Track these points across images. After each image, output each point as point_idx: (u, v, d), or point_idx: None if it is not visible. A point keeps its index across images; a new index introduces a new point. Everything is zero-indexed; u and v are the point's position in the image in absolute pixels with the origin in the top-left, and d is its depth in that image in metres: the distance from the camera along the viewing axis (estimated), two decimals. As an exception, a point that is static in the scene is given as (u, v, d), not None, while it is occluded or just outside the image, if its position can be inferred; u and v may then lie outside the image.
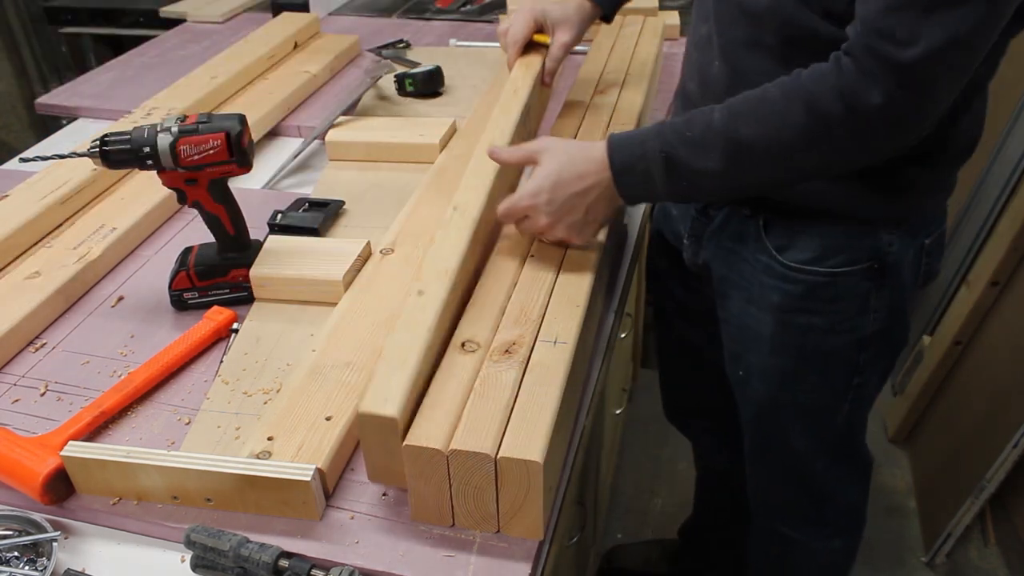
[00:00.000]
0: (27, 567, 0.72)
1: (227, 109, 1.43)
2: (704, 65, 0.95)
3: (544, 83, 1.18)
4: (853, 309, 0.95)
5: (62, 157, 0.96)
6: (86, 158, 0.91)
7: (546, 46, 1.17)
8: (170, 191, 0.94)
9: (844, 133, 0.76)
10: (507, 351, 0.76)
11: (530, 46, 1.19)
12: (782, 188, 0.90)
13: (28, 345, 0.95)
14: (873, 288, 0.94)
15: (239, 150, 0.91)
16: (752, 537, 1.33)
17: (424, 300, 0.77)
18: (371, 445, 0.71)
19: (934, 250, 0.98)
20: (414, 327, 0.75)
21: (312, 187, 1.25)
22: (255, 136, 1.36)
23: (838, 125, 0.75)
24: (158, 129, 0.90)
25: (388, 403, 0.68)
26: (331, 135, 1.32)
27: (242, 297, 1.00)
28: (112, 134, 0.90)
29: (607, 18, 1.22)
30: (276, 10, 1.84)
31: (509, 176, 0.99)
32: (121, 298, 1.03)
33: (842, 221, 0.92)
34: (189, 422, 0.84)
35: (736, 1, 0.87)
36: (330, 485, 0.75)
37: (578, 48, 1.51)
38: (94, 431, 0.82)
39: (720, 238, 1.03)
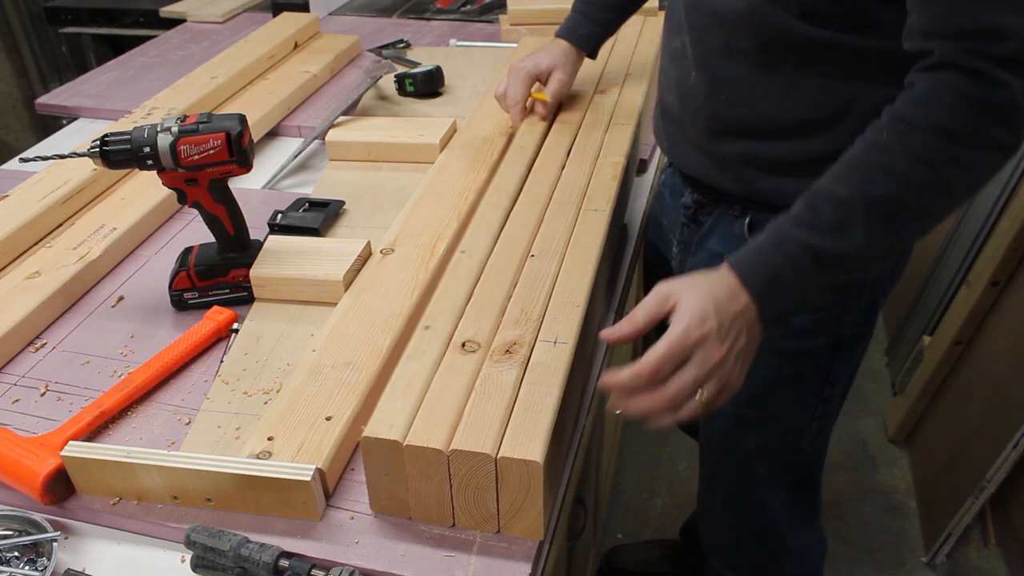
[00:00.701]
0: (27, 567, 0.72)
1: (227, 109, 1.43)
2: (681, 78, 0.94)
3: (544, 119, 1.21)
4: (834, 309, 0.95)
5: (62, 157, 0.96)
6: (86, 158, 0.91)
7: (544, 102, 1.20)
8: (170, 191, 0.94)
9: (981, 139, 0.68)
10: (507, 351, 0.76)
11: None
12: (941, 222, 0.77)
13: (28, 345, 0.95)
14: (855, 287, 0.93)
15: (239, 150, 0.91)
16: None
17: (430, 334, 0.79)
18: (375, 473, 0.71)
19: (907, 249, 0.98)
20: (419, 358, 0.76)
21: (312, 187, 1.25)
22: (255, 136, 1.36)
23: (972, 132, 0.68)
24: (158, 129, 0.90)
25: (392, 428, 0.68)
26: (331, 135, 1.32)
27: (242, 297, 1.00)
28: (112, 134, 0.90)
29: (592, 55, 1.24)
30: (276, 10, 1.84)
31: (519, 231, 0.96)
32: (121, 298, 1.03)
33: None
34: (189, 422, 0.84)
35: (709, 9, 0.85)
36: (330, 485, 0.75)
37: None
38: (94, 431, 0.82)
39: (708, 243, 1.02)
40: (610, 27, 1.24)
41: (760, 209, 0.94)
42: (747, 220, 0.95)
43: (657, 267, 1.23)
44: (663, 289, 0.74)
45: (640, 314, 0.73)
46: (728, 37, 0.84)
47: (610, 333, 0.74)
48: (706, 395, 0.71)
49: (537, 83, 1.21)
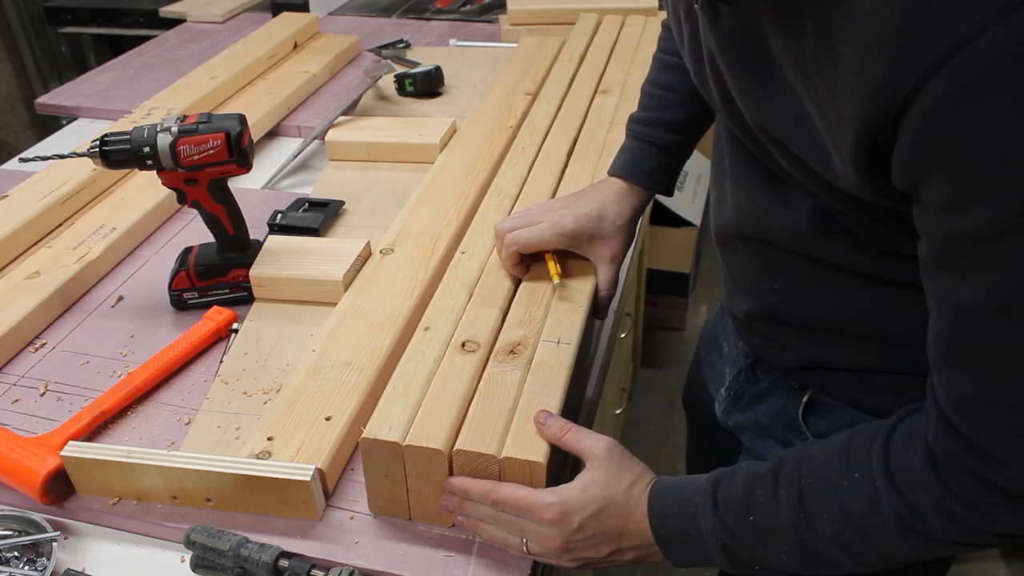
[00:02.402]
0: (27, 567, 0.71)
1: (227, 109, 1.43)
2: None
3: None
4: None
5: (62, 157, 0.96)
6: (86, 158, 0.91)
7: (553, 279, 0.84)
8: (170, 191, 0.94)
9: (957, 546, 0.58)
10: (512, 351, 0.76)
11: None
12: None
13: (28, 345, 0.95)
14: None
15: (239, 150, 0.91)
16: None
17: (430, 334, 0.79)
18: (374, 474, 0.71)
19: None
20: (419, 358, 0.76)
21: (312, 187, 1.25)
22: (255, 136, 1.36)
23: (947, 541, 0.57)
24: (158, 129, 0.90)
25: (392, 429, 0.68)
26: (331, 135, 1.32)
27: (242, 297, 1.00)
28: (112, 134, 0.90)
29: (668, 191, 0.92)
30: (276, 10, 1.84)
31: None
32: (121, 298, 1.03)
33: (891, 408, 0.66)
34: (189, 422, 0.84)
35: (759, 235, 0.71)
36: (330, 485, 0.75)
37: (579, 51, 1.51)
38: (94, 431, 0.82)
39: (759, 408, 0.85)
40: (680, 155, 0.92)
41: (819, 390, 0.78)
42: (805, 399, 0.78)
43: (702, 389, 1.02)
44: (593, 449, 0.68)
45: (563, 439, 0.68)
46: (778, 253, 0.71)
47: (539, 420, 0.69)
48: (531, 550, 0.68)
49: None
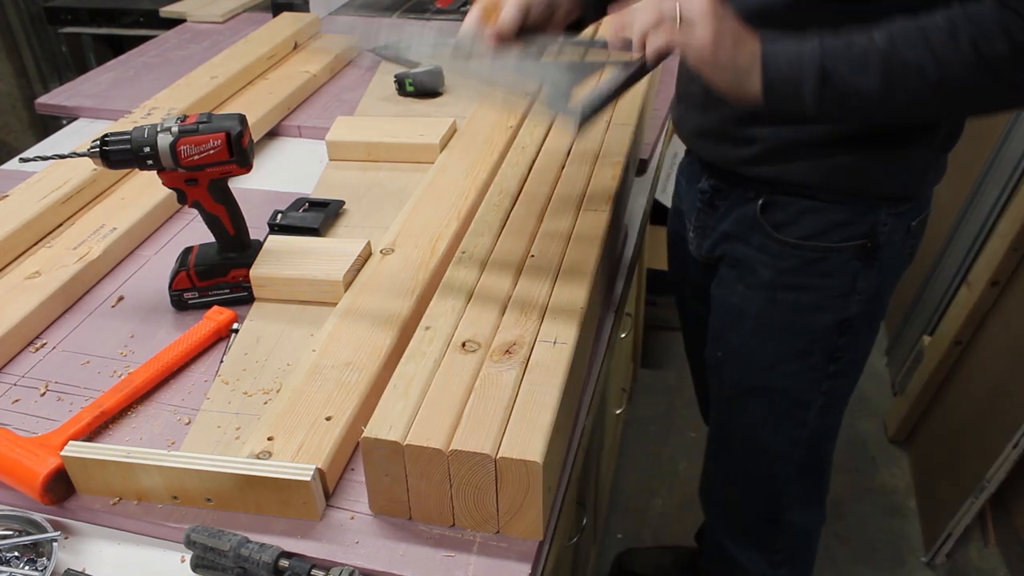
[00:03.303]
0: (27, 567, 0.72)
1: (227, 109, 1.43)
2: None
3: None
4: (841, 287, 0.97)
5: (62, 157, 0.96)
6: (86, 158, 0.91)
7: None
8: (170, 191, 0.94)
9: (1011, 72, 0.72)
10: (507, 351, 0.77)
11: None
12: (933, 116, 0.88)
13: (28, 345, 0.95)
14: (863, 267, 0.96)
15: (239, 150, 0.91)
16: (702, 555, 1.32)
17: (430, 334, 0.79)
18: (375, 473, 0.71)
19: (918, 232, 1.00)
20: (419, 358, 0.76)
21: (312, 187, 1.25)
22: (255, 136, 1.36)
23: (1006, 64, 0.72)
24: (158, 129, 0.90)
25: (392, 429, 0.68)
26: (331, 135, 1.32)
27: (242, 297, 1.00)
28: (112, 134, 0.90)
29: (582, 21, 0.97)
30: (276, 10, 1.84)
31: (519, 231, 0.96)
32: (121, 298, 1.03)
33: (846, 199, 0.93)
34: (189, 422, 0.84)
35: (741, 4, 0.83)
36: (330, 485, 0.75)
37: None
38: (94, 431, 0.82)
39: (722, 224, 1.04)
40: None
41: (773, 191, 0.95)
42: (760, 203, 0.96)
43: (678, 262, 1.23)
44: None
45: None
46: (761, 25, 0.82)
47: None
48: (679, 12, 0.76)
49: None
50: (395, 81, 1.52)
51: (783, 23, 0.79)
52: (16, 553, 0.72)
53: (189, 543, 0.69)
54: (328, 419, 0.77)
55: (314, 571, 0.67)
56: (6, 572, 0.71)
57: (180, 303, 1.00)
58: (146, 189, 1.18)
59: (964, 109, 0.85)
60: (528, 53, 0.85)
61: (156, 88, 1.49)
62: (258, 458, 0.73)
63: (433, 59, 0.82)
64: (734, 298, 1.04)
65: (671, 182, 1.26)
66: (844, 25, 0.77)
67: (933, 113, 0.86)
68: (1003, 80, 0.73)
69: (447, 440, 0.67)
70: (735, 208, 1.01)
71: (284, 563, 0.68)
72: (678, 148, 1.78)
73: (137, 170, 0.92)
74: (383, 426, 0.69)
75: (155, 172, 0.92)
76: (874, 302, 1.00)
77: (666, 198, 1.42)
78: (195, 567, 0.69)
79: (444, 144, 1.27)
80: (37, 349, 0.95)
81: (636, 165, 1.32)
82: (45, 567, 0.70)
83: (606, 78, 0.82)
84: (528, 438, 0.67)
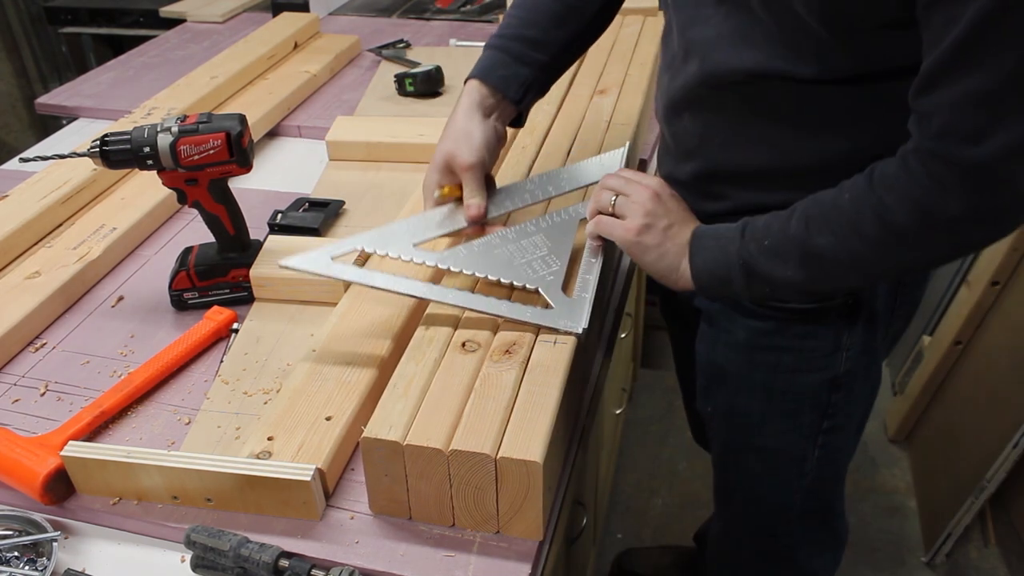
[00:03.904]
0: (27, 567, 0.72)
1: (227, 109, 1.43)
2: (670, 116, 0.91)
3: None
4: (825, 347, 0.90)
5: (62, 157, 0.96)
6: (86, 158, 0.91)
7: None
8: (170, 191, 0.94)
9: (924, 241, 0.71)
10: (507, 351, 0.77)
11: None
12: (874, 286, 0.87)
13: (28, 345, 0.95)
14: (846, 325, 0.88)
15: (239, 150, 0.91)
16: None
17: (430, 334, 0.80)
18: (375, 473, 0.71)
19: (915, 282, 0.95)
20: (419, 358, 0.76)
21: (312, 187, 1.25)
22: (255, 136, 1.36)
23: (915, 236, 0.70)
24: (158, 129, 0.90)
25: (392, 429, 0.68)
26: (331, 135, 1.32)
27: (242, 297, 1.00)
28: (112, 134, 0.90)
29: (520, 106, 0.96)
30: (276, 10, 1.84)
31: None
32: (121, 298, 1.03)
33: None
34: (189, 422, 0.84)
35: (711, 62, 0.81)
36: (330, 485, 0.75)
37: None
38: (94, 431, 0.82)
39: None
40: (544, 73, 0.96)
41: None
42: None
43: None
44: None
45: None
46: (719, 92, 0.82)
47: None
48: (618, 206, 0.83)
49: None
50: (395, 81, 1.52)
51: (745, 96, 0.80)
52: (16, 553, 0.73)
53: (189, 543, 0.69)
54: (328, 419, 0.77)
55: (314, 571, 0.67)
56: (6, 572, 0.71)
57: (180, 303, 1.00)
58: (146, 189, 1.18)
59: (898, 275, 0.85)
60: (507, 238, 0.88)
61: (156, 88, 1.49)
62: (258, 458, 0.73)
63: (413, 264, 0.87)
64: (716, 356, 0.98)
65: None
66: (804, 102, 0.77)
67: (882, 281, 0.86)
68: (918, 247, 0.72)
69: (447, 440, 0.67)
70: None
71: (284, 563, 0.68)
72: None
73: (137, 170, 0.92)
74: (383, 426, 0.69)
75: (155, 172, 0.92)
76: (867, 355, 0.92)
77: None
78: (195, 567, 0.69)
79: (444, 144, 1.27)
80: (37, 349, 0.95)
81: (636, 165, 1.32)
82: (45, 567, 0.70)
83: (589, 267, 0.86)
84: (528, 438, 0.67)
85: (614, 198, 0.84)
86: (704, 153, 0.88)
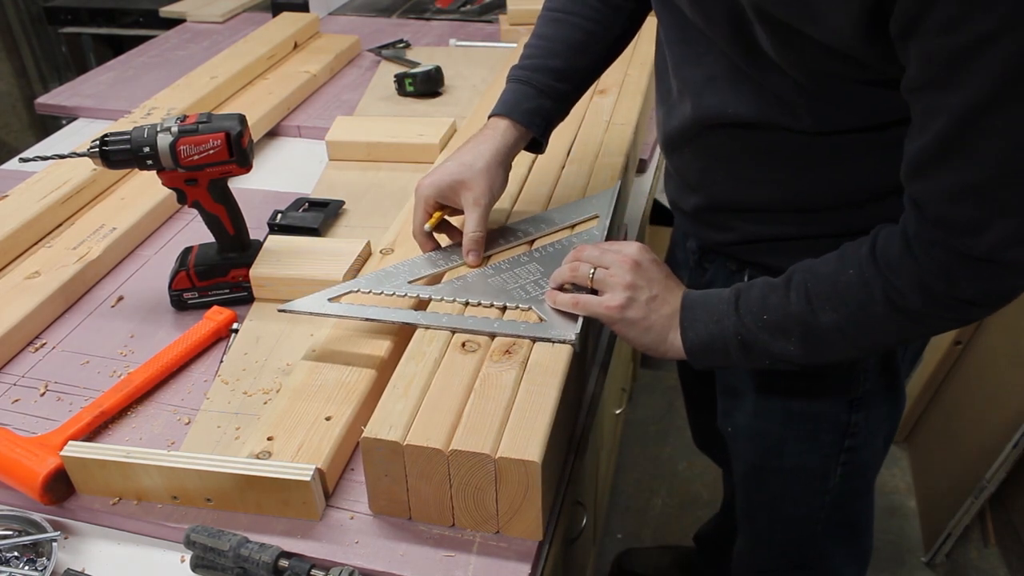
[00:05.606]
0: (27, 567, 0.72)
1: (227, 109, 1.43)
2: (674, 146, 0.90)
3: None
4: (840, 370, 0.89)
5: (62, 157, 0.96)
6: (86, 158, 0.91)
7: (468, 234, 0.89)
8: (170, 191, 0.94)
9: (934, 320, 0.71)
10: (507, 351, 0.77)
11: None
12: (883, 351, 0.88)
13: (28, 345, 0.95)
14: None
15: (239, 150, 0.91)
16: None
17: (430, 334, 0.80)
18: (374, 473, 0.71)
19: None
20: (419, 358, 0.76)
21: (312, 187, 1.25)
22: (255, 136, 1.36)
23: (926, 315, 0.70)
24: (158, 129, 0.90)
25: (392, 429, 0.68)
26: (331, 135, 1.32)
27: (242, 297, 1.00)
28: (112, 134, 0.90)
29: (541, 137, 0.94)
30: (276, 10, 1.84)
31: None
32: (121, 298, 1.03)
33: None
34: (189, 422, 0.84)
35: (713, 111, 0.80)
36: (330, 485, 0.75)
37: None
38: (94, 431, 0.82)
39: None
40: (567, 103, 0.97)
41: (756, 268, 0.89)
42: (745, 276, 0.90)
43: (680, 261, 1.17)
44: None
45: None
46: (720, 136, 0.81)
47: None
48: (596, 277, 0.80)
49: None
50: (395, 81, 1.52)
51: (743, 140, 0.79)
52: (16, 553, 0.73)
53: (189, 543, 0.69)
54: (328, 419, 0.77)
55: (314, 571, 0.67)
56: (6, 572, 0.71)
57: (180, 303, 1.00)
58: (146, 189, 1.18)
59: (898, 345, 0.86)
60: (500, 268, 0.88)
61: (156, 88, 1.49)
62: (258, 458, 0.73)
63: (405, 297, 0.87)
64: (732, 378, 0.97)
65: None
66: (803, 148, 0.76)
67: (872, 353, 0.86)
68: (926, 324, 0.72)
69: (447, 440, 0.67)
70: (720, 277, 0.95)
71: (284, 563, 0.68)
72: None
73: (137, 170, 0.92)
74: (383, 426, 0.69)
75: (155, 172, 0.92)
76: (887, 374, 0.91)
77: (666, 198, 1.41)
78: (195, 567, 0.69)
79: (444, 144, 1.27)
80: (37, 349, 0.95)
81: (636, 165, 1.32)
82: (45, 567, 0.70)
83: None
84: (527, 438, 0.67)
85: (592, 271, 0.80)
86: (706, 188, 0.87)
